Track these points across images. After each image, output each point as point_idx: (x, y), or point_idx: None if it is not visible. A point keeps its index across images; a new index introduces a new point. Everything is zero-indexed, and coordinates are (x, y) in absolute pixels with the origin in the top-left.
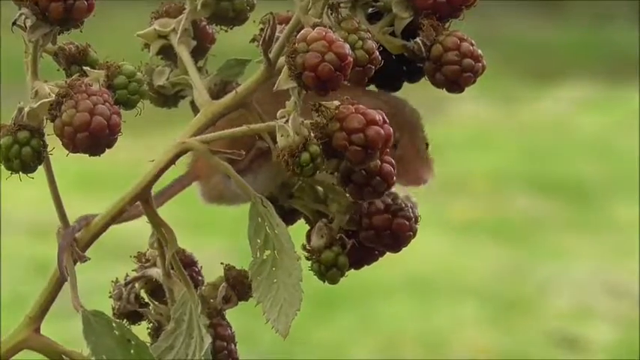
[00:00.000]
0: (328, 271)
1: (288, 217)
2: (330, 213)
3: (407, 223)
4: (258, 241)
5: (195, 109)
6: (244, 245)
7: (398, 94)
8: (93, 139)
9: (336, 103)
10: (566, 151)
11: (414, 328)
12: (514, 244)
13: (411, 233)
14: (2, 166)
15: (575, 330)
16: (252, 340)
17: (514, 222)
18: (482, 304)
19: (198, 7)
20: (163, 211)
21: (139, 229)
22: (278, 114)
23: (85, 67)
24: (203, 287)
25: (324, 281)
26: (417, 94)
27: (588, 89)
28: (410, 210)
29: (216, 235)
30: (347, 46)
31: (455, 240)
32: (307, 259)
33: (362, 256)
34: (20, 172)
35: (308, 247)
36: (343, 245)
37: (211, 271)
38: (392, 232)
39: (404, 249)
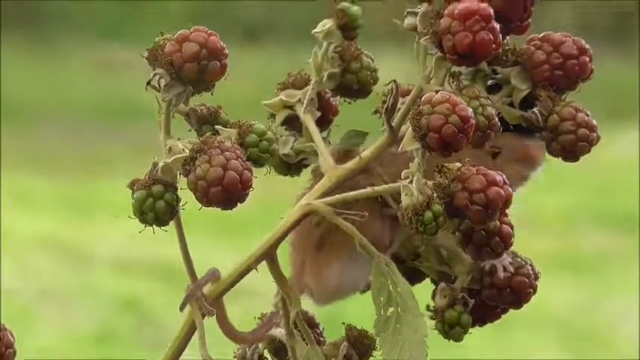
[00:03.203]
0: (452, 330)
1: (415, 276)
2: (453, 273)
3: (527, 280)
4: (382, 299)
5: (316, 177)
6: None
7: None
8: (226, 193)
9: (458, 164)
10: (637, 188)
11: (493, 358)
12: (587, 278)
13: (532, 290)
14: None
15: None
16: None
17: (587, 256)
18: (558, 336)
19: (324, 79)
20: None
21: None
22: (402, 174)
23: (217, 126)
24: (324, 347)
25: (448, 339)
26: None
27: None
28: (529, 267)
29: None
30: (470, 109)
31: None
32: (431, 318)
33: (485, 314)
34: (154, 225)
35: (431, 307)
36: (465, 304)
37: None
38: (512, 289)
39: None
